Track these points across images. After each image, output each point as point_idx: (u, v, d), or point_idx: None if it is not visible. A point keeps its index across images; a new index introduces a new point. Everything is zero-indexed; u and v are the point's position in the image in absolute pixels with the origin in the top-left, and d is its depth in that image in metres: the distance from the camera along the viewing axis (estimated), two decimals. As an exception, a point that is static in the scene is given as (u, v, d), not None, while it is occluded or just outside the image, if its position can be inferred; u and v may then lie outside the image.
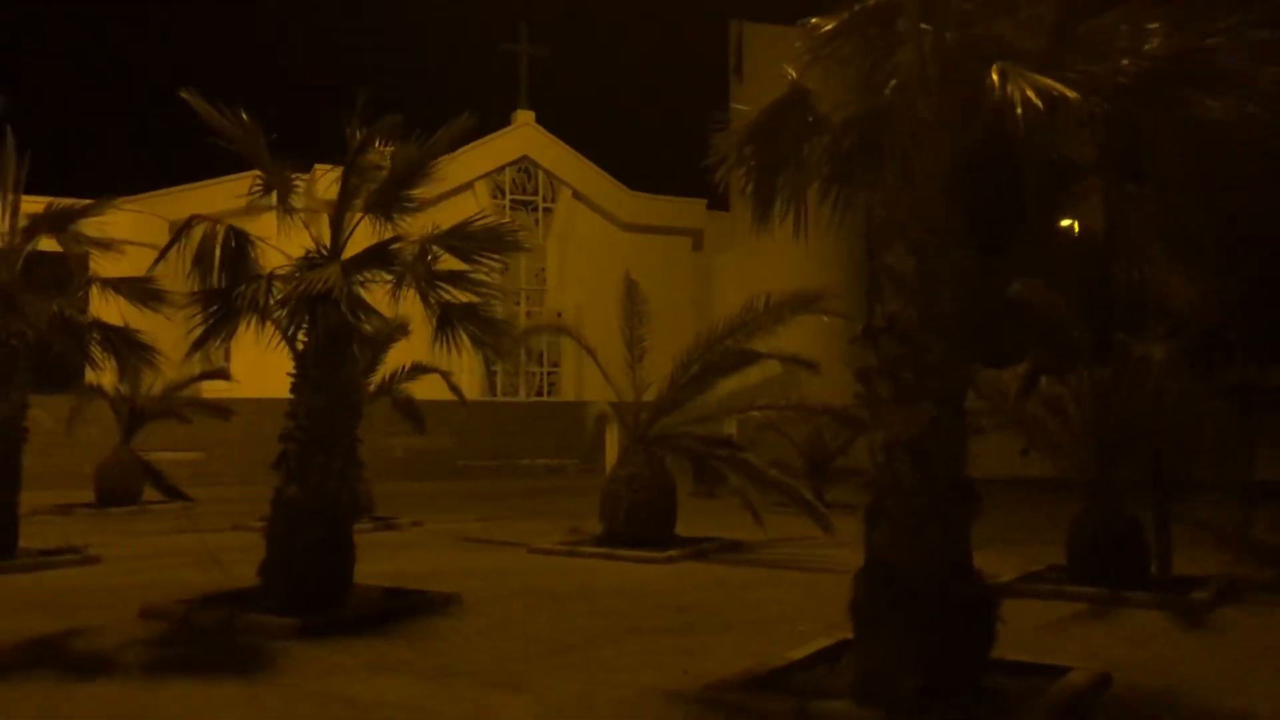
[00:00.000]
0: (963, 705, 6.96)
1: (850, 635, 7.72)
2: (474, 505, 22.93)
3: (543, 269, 38.36)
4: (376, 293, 10.96)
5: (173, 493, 21.78)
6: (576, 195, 38.77)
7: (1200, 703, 7.52)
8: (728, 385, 15.87)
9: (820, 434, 22.90)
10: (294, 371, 10.53)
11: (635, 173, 39.99)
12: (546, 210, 38.70)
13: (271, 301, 9.70)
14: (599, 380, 16.97)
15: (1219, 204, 8.40)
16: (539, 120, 38.49)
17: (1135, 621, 10.18)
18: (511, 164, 37.92)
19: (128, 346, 14.20)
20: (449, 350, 10.95)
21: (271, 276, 9.79)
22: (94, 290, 14.58)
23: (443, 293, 10.93)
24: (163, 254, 10.13)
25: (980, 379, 12.00)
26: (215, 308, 9.79)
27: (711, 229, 40.81)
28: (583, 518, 16.65)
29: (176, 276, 10.89)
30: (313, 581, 10.07)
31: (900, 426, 7.48)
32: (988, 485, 7.67)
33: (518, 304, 37.30)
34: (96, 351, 14.54)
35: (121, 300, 14.54)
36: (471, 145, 35.94)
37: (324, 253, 10.19)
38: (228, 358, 35.33)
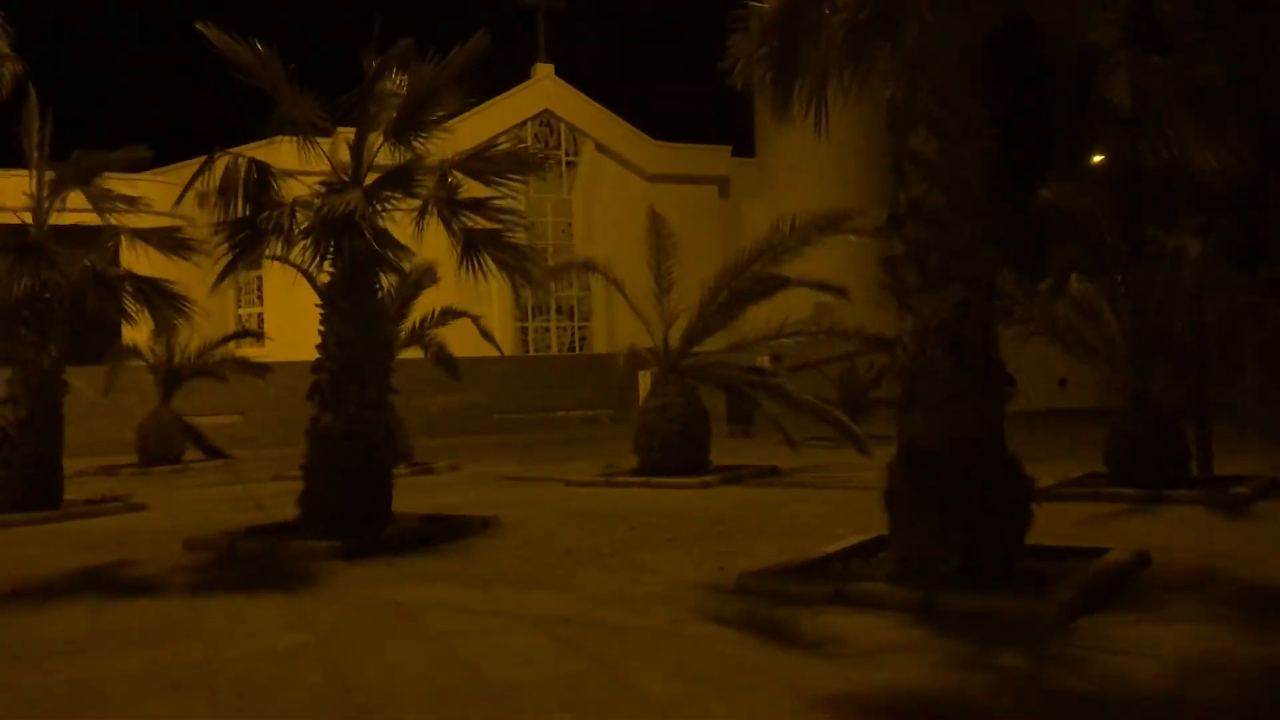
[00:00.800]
0: (999, 583, 6.93)
1: (886, 534, 7.73)
2: (510, 453, 23.07)
3: (569, 223, 38.31)
4: (402, 225, 10.97)
5: (213, 452, 22.05)
6: (600, 147, 38.61)
7: (1239, 576, 7.47)
8: (758, 314, 15.79)
9: (854, 367, 22.83)
10: (321, 302, 10.58)
11: (658, 122, 39.75)
12: (570, 164, 38.59)
13: (296, 229, 9.73)
14: (629, 330, 16.97)
15: (1246, 73, 8.20)
16: (558, 73, 38.30)
17: (1175, 515, 10.10)
18: (533, 118, 37.80)
19: (161, 297, 14.33)
20: (475, 277, 10.94)
21: (295, 203, 9.82)
22: (124, 244, 14.67)
23: (465, 219, 10.93)
24: (187, 187, 10.19)
25: (1013, 285, 11.89)
26: (240, 235, 9.83)
27: (737, 176, 40.54)
28: (619, 457, 16.71)
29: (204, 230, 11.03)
30: (352, 507, 10.17)
31: (930, 312, 7.41)
32: (1028, 417, 7.64)
33: (545, 258, 37.31)
34: (130, 304, 14.67)
35: (153, 253, 14.64)
36: (491, 101, 35.83)
37: (345, 179, 10.19)
38: (261, 324, 35.63)
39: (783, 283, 14.98)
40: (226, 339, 22.37)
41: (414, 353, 19.81)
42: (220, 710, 5.27)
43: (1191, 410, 11.97)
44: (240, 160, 9.98)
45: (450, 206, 10.90)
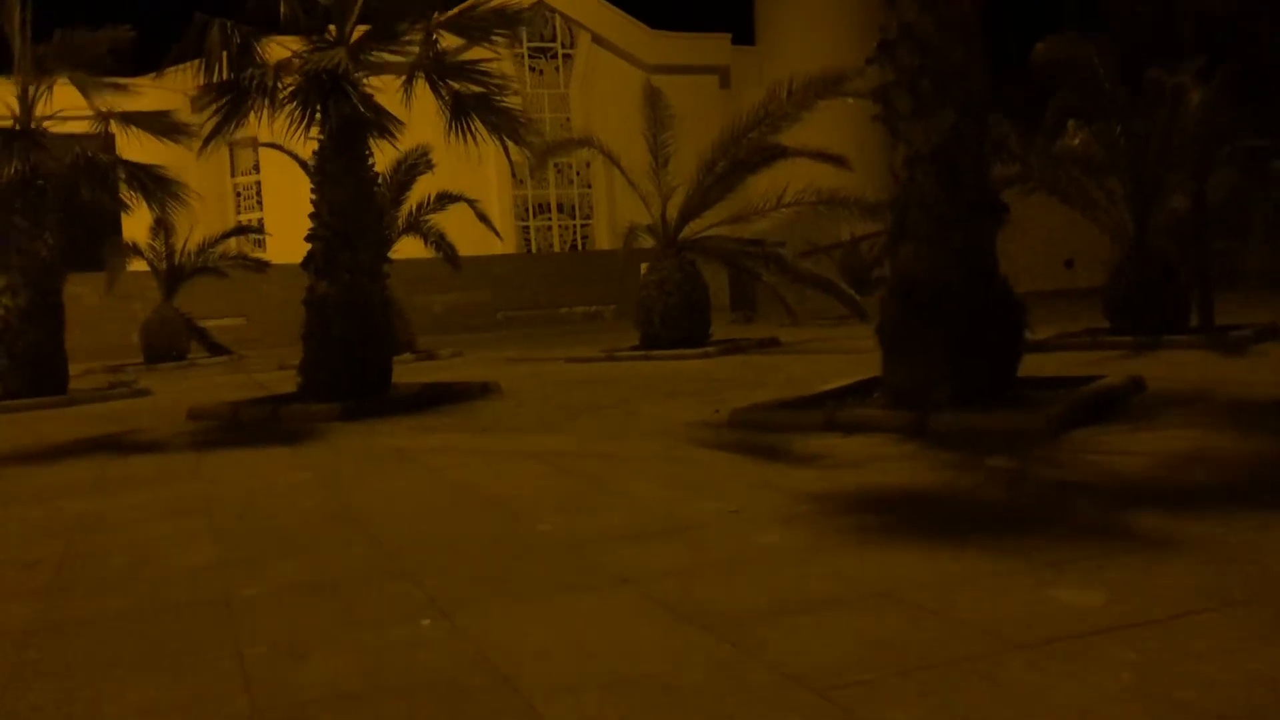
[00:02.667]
0: (992, 405, 6.97)
1: (881, 375, 7.74)
2: (513, 343, 23.13)
3: (567, 118, 37.80)
4: (389, 98, 10.81)
5: (217, 348, 22.16)
6: (596, 39, 37.93)
7: (1230, 394, 7.52)
8: (757, 186, 15.64)
9: (856, 246, 22.72)
10: (313, 170, 10.50)
11: (656, 11, 38.98)
12: (566, 57, 37.96)
13: (281, 89, 9.60)
14: (631, 216, 16.78)
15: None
16: (552, -37, 37.46)
17: (1173, 357, 10.11)
18: (527, 9, 37.05)
19: (155, 182, 14.26)
20: (465, 141, 10.83)
21: (279, 64, 9.67)
22: (116, 132, 14.51)
23: (453, 84, 10.79)
24: (175, 56, 10.01)
25: (1012, 138, 11.73)
26: (225, 98, 9.71)
27: (738, 65, 39.85)
28: (622, 343, 16.73)
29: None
30: (350, 373, 10.23)
31: (921, 139, 7.33)
32: (1035, 298, 7.61)
33: (542, 134, 36.93)
34: (125, 191, 14.60)
35: (146, 145, 14.49)
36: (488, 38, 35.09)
37: (330, 39, 10.03)
38: (262, 229, 35.36)
39: (780, 151, 14.81)
40: (226, 235, 22.34)
41: (413, 245, 19.75)
42: (218, 528, 5.36)
43: (1193, 261, 11.88)
44: (226, 23, 9.80)
45: (438, 70, 10.76)
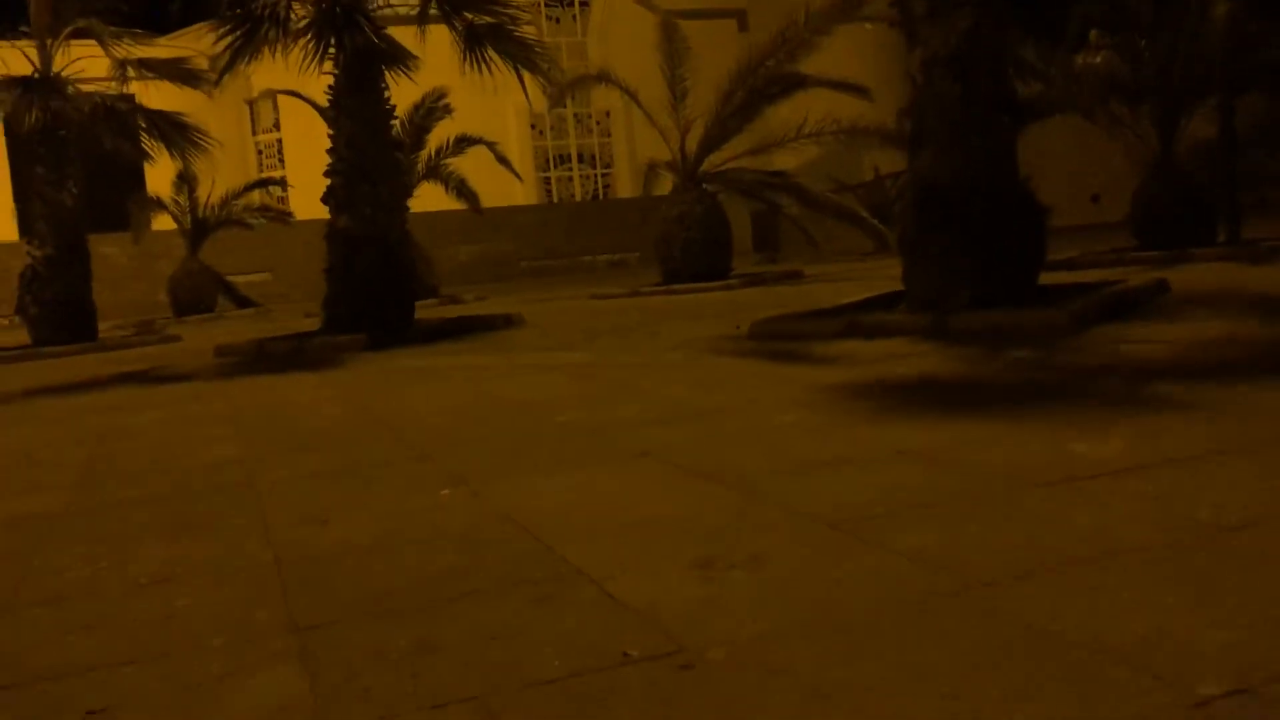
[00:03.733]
0: (1014, 307, 6.90)
1: (902, 288, 7.68)
2: (537, 288, 23.14)
3: (585, 67, 37.51)
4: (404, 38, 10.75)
5: (244, 301, 22.31)
6: (613, -15, 37.51)
7: (1252, 291, 7.44)
8: (776, 117, 15.47)
9: (881, 183, 22.53)
10: (329, 105, 10.49)
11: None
12: (584, 5, 37.59)
13: (293, 19, 9.57)
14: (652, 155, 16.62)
15: None
16: (566, -91, 37.00)
17: (1199, 268, 9.99)
18: (538, -60, 36.69)
19: (175, 129, 14.29)
20: (481, 71, 10.77)
21: (291, -9, 9.62)
22: (133, 79, 14.52)
23: (467, 15, 10.73)
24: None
25: (1033, 54, 11.54)
26: (238, 29, 9.68)
27: (756, 7, 39.32)
28: (644, 282, 16.68)
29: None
30: (374, 304, 10.26)
31: (938, 41, 7.20)
32: (1060, 232, 7.51)
33: (564, 106, 36.70)
34: (146, 140, 14.65)
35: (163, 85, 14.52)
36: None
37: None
38: (285, 186, 35.49)
39: (799, 80, 14.63)
40: (249, 187, 22.41)
41: (435, 194, 19.74)
42: (242, 433, 5.42)
43: (1221, 176, 11.68)
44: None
45: (451, 2, 10.68)
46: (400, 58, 10.19)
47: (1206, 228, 11.22)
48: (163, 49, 16.76)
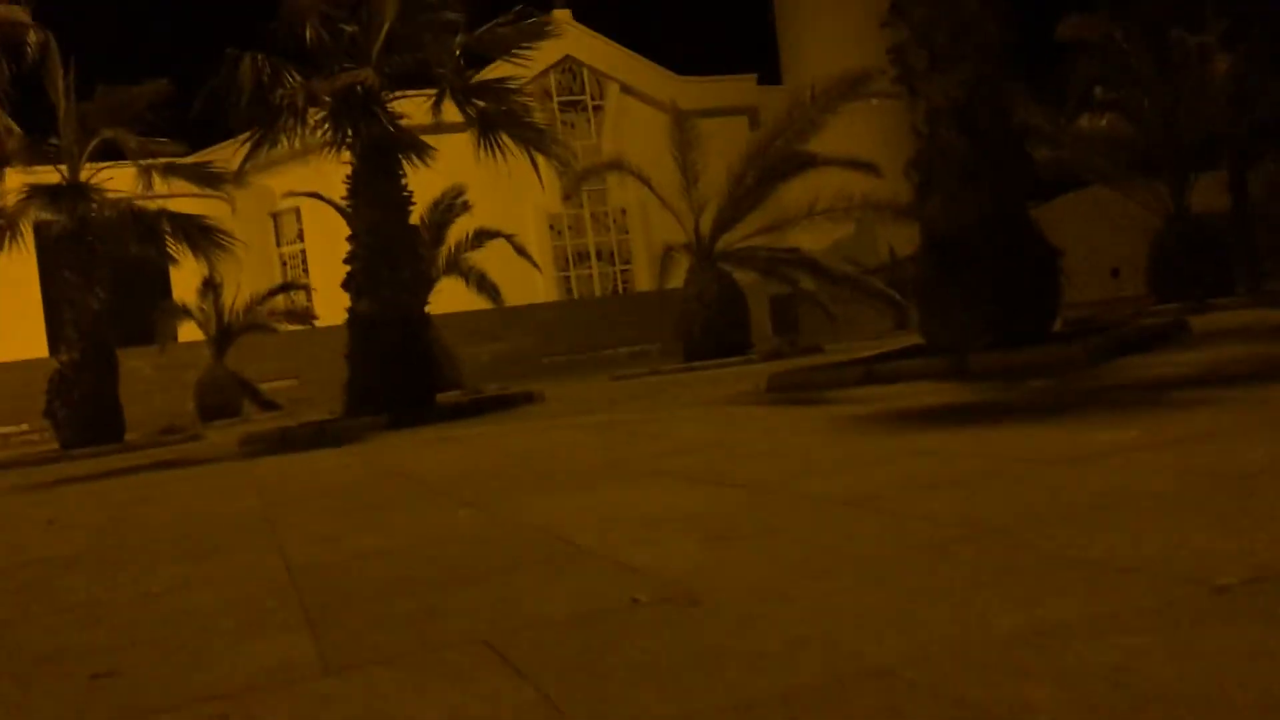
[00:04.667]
0: (1033, 346, 6.88)
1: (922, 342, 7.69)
2: (560, 379, 23.23)
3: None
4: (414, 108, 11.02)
5: (269, 405, 22.46)
6: (625, 89, 38.44)
7: (1272, 324, 7.36)
8: (789, 196, 15.68)
9: (895, 260, 22.70)
10: (346, 196, 10.73)
11: (681, 57, 39.43)
12: (596, 108, 38.49)
13: (309, 109, 9.84)
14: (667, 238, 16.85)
15: None
16: (576, 17, 38.14)
17: (1219, 314, 9.93)
18: (554, 66, 37.67)
19: (200, 232, 14.58)
20: (494, 155, 11.01)
21: (307, 84, 9.89)
22: (158, 182, 14.89)
23: (479, 103, 11.02)
24: (208, 89, 10.28)
25: (1039, 115, 11.69)
26: (258, 116, 9.92)
27: (766, 104, 40.17)
28: (665, 367, 16.76)
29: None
30: (395, 385, 10.32)
31: (940, 94, 7.34)
32: (1081, 306, 7.61)
33: (580, 206, 37.34)
34: (171, 244, 14.95)
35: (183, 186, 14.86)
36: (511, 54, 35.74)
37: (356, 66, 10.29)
38: (305, 260, 35.89)
39: (809, 160, 14.85)
40: (273, 291, 22.74)
41: (457, 293, 19.98)
42: (265, 491, 5.43)
43: (1235, 225, 11.71)
44: (257, 56, 10.08)
45: (464, 91, 10.99)
46: (416, 145, 10.43)
47: (1224, 278, 11.19)
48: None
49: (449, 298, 19.46)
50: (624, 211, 39.05)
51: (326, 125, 10.16)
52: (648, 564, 2.28)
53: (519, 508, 3.46)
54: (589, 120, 38.33)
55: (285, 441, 9.92)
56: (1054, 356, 6.35)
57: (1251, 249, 11.83)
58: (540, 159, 11.37)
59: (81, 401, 13.72)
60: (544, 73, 37.77)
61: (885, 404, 5.45)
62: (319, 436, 9.71)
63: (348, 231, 10.87)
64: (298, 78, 9.83)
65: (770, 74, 41.22)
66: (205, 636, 2.18)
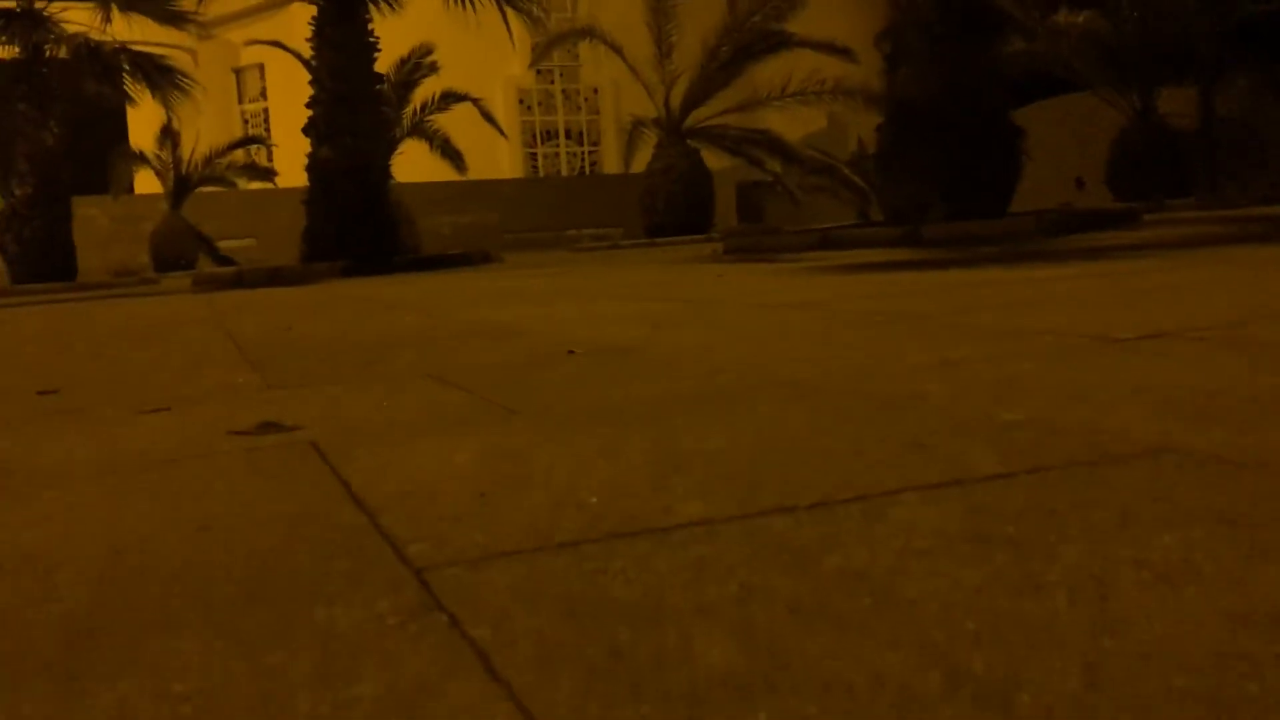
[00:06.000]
0: (988, 221, 6.98)
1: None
2: (521, 252, 23.16)
3: (574, 43, 37.44)
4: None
5: (224, 260, 22.19)
6: (603, -40, 37.51)
7: (1226, 215, 7.51)
8: (763, 75, 15.48)
9: (861, 144, 22.56)
10: (312, 37, 10.48)
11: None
12: (574, -20, 37.56)
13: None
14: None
15: None
16: (558, -116, 36.91)
17: (1172, 213, 10.07)
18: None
19: (159, 71, 14.19)
20: (464, 6, 10.78)
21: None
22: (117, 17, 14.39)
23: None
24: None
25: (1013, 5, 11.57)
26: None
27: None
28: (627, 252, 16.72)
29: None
30: (353, 234, 10.25)
31: (916, -40, 7.29)
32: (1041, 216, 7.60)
33: (551, 82, 36.68)
34: (129, 83, 14.55)
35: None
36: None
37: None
38: (267, 119, 35.26)
39: (785, 39, 14.63)
40: (233, 145, 22.24)
41: (419, 162, 19.66)
42: (217, 312, 5.45)
43: (1201, 132, 11.78)
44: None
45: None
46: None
47: (1183, 183, 11.30)
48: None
49: (411, 166, 19.16)
50: (595, 91, 38.37)
51: (293, -40, 9.87)
52: (587, 338, 2.37)
53: (471, 315, 3.54)
54: (565, -8, 37.34)
55: (240, 280, 9.88)
56: (1008, 227, 6.46)
57: (1212, 157, 11.93)
58: (513, 20, 11.16)
59: (33, 238, 13.50)
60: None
61: (835, 261, 5.54)
62: (275, 278, 9.67)
63: (311, 93, 10.66)
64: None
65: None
66: (149, 375, 2.25)
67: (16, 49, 12.87)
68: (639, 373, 1.74)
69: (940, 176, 7.06)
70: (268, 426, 1.43)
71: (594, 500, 0.93)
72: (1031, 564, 0.69)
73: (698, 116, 15.27)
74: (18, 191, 13.57)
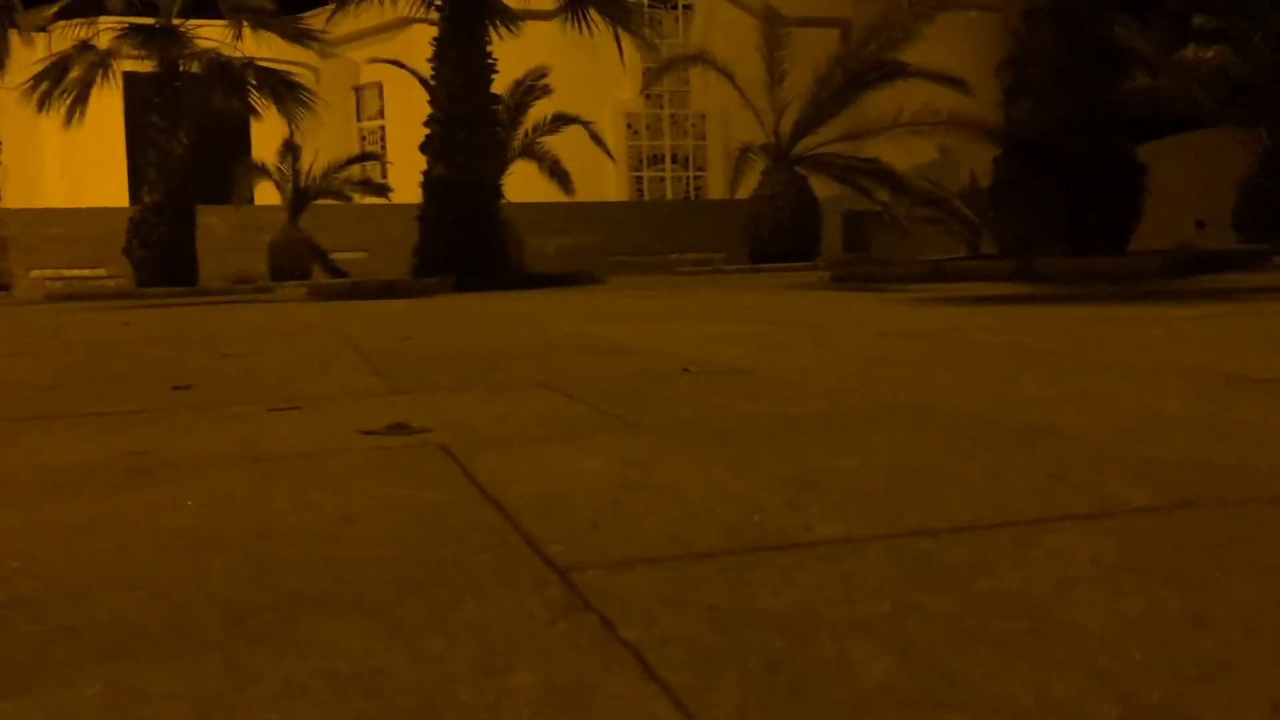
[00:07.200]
0: (1106, 258, 6.80)
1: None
2: (623, 274, 23.32)
3: (685, 69, 37.69)
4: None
5: (338, 272, 22.80)
6: (717, -10, 37.70)
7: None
8: (875, 104, 15.37)
9: (976, 186, 22.21)
10: (431, 59, 10.76)
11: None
12: (686, 8, 37.81)
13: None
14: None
15: None
16: (675, -88, 37.27)
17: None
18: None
19: (285, 86, 14.72)
20: (580, 29, 10.94)
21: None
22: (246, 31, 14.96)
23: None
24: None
25: (1136, 35, 11.30)
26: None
27: (860, 19, 39.19)
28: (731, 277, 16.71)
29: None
30: (464, 249, 10.45)
31: (1041, -9, 7.17)
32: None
33: (660, 107, 36.95)
34: (255, 98, 15.11)
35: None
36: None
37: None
38: (384, 173, 36.37)
39: (899, 68, 14.51)
40: (351, 160, 22.91)
41: (528, 184, 19.98)
42: (332, 319, 5.59)
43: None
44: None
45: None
46: (504, 13, 10.40)
47: (1313, 224, 10.83)
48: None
49: (520, 186, 19.47)
50: (703, 117, 38.51)
51: (418, -14, 10.16)
52: (700, 357, 2.37)
53: (581, 331, 3.57)
54: (678, 20, 37.62)
55: (354, 292, 10.14)
56: (1127, 266, 6.28)
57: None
58: (626, 43, 11.30)
59: (159, 243, 14.08)
60: (637, -34, 37.03)
61: (947, 293, 5.45)
62: (387, 290, 9.91)
63: (428, 111, 10.92)
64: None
65: (868, -12, 40.04)
66: (277, 376, 2.32)
67: (153, 63, 13.45)
68: (757, 393, 1.73)
69: (1058, 211, 6.90)
70: (397, 428, 1.46)
71: (729, 513, 0.92)
72: (1196, 597, 0.66)
73: (806, 144, 15.21)
74: (146, 199, 14.18)
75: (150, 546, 0.89)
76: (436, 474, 1.15)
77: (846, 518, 0.89)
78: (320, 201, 23.30)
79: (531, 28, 11.74)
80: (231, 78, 14.62)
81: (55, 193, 31.18)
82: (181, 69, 14.32)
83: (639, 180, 39.10)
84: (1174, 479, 0.99)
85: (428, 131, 10.86)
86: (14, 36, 14.77)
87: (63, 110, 13.94)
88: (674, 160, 39.21)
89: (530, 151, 19.00)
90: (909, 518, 0.88)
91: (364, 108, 38.29)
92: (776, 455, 1.18)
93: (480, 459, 1.22)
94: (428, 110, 10.98)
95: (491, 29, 10.80)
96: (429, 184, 10.73)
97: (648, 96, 36.05)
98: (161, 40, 13.53)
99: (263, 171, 21.65)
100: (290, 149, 20.90)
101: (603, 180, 29.70)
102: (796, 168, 14.92)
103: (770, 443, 1.26)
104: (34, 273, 20.83)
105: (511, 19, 10.89)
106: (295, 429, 1.53)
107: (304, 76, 17.43)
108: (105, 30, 14.11)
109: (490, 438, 1.38)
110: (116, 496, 1.11)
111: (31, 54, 14.73)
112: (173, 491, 1.12)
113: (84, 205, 26.08)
